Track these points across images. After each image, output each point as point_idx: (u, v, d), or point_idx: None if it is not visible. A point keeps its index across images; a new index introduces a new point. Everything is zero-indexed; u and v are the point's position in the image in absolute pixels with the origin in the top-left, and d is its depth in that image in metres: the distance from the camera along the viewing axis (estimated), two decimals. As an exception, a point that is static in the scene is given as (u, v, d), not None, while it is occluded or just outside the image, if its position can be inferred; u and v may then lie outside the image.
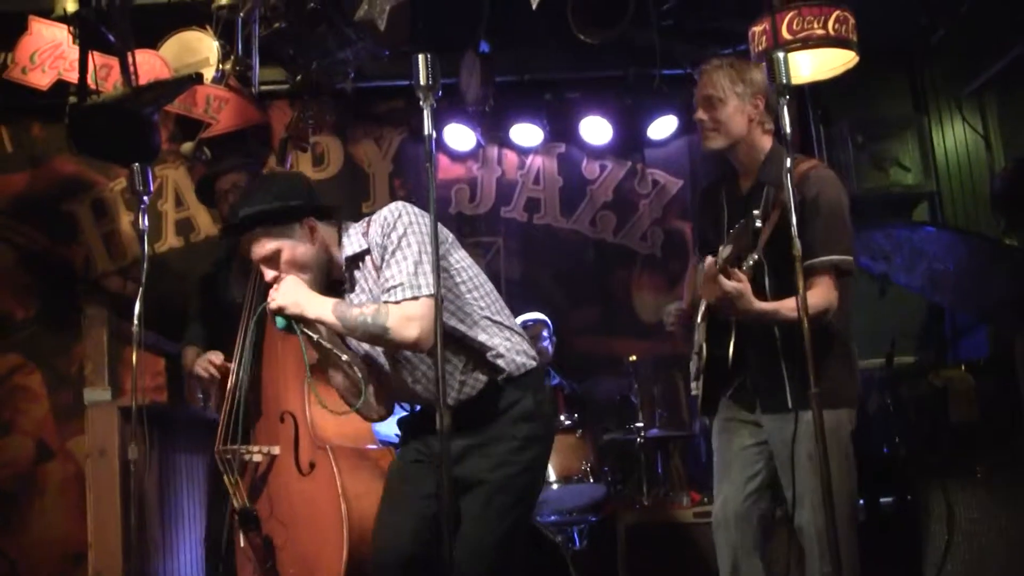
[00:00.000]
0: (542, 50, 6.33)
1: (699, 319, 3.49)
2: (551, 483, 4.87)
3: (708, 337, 3.42)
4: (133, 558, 4.22)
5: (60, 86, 5.73)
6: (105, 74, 5.42)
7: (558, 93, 6.52)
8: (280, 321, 3.11)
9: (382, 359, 3.24)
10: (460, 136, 6.52)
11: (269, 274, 3.15)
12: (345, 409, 3.28)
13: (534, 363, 3.22)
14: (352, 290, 3.20)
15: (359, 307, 3.04)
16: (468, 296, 3.17)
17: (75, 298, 6.20)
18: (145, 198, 3.76)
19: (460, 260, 3.23)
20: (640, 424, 5.13)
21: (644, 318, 6.59)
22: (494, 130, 6.60)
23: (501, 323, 3.21)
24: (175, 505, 4.79)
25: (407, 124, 6.66)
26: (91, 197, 6.49)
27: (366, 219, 3.21)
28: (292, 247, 3.12)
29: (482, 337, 3.14)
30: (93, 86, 5.05)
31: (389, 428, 3.49)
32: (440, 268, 2.94)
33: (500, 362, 3.14)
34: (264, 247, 3.13)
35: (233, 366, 3.98)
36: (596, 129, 6.52)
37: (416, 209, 3.14)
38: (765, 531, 3.48)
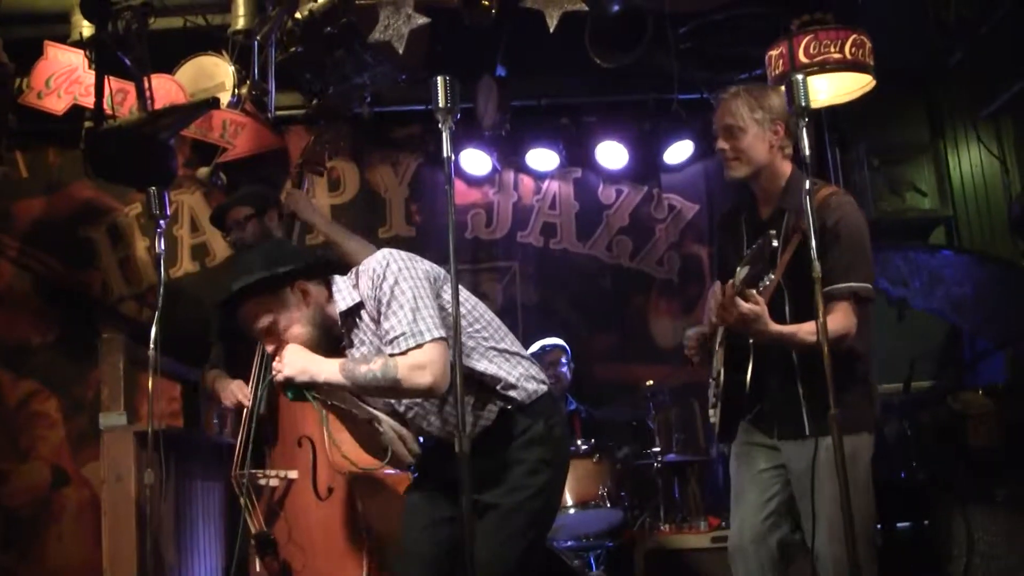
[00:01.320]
0: (558, 75, 6.36)
1: (717, 345, 3.48)
2: (568, 508, 4.86)
3: (726, 363, 3.41)
4: (148, 583, 4.20)
5: (76, 111, 5.75)
6: (121, 99, 5.45)
7: (574, 118, 6.55)
8: (291, 392, 3.07)
9: (398, 406, 3.23)
10: (476, 161, 6.54)
11: (270, 346, 3.11)
12: (370, 461, 3.26)
13: (545, 388, 3.22)
14: (352, 345, 3.16)
15: (366, 363, 2.99)
16: (471, 330, 3.15)
17: (92, 324, 6.21)
18: (162, 222, 3.80)
19: (467, 297, 3.22)
20: (657, 449, 5.12)
21: (661, 343, 6.59)
22: (510, 155, 6.63)
23: (507, 351, 3.21)
24: (191, 531, 4.78)
25: (423, 149, 6.68)
26: (107, 223, 6.52)
27: (353, 272, 3.18)
28: (288, 315, 3.08)
29: (491, 370, 3.13)
30: (109, 111, 5.07)
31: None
32: (437, 307, 2.97)
33: (511, 392, 3.14)
34: (260, 320, 3.08)
35: (250, 391, 3.99)
36: (612, 154, 6.54)
37: (402, 254, 3.11)
38: (785, 557, 3.45)
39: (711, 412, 3.51)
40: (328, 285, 3.17)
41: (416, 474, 3.47)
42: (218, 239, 6.45)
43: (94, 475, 5.94)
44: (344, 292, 3.14)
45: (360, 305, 3.10)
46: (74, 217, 6.49)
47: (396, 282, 3.01)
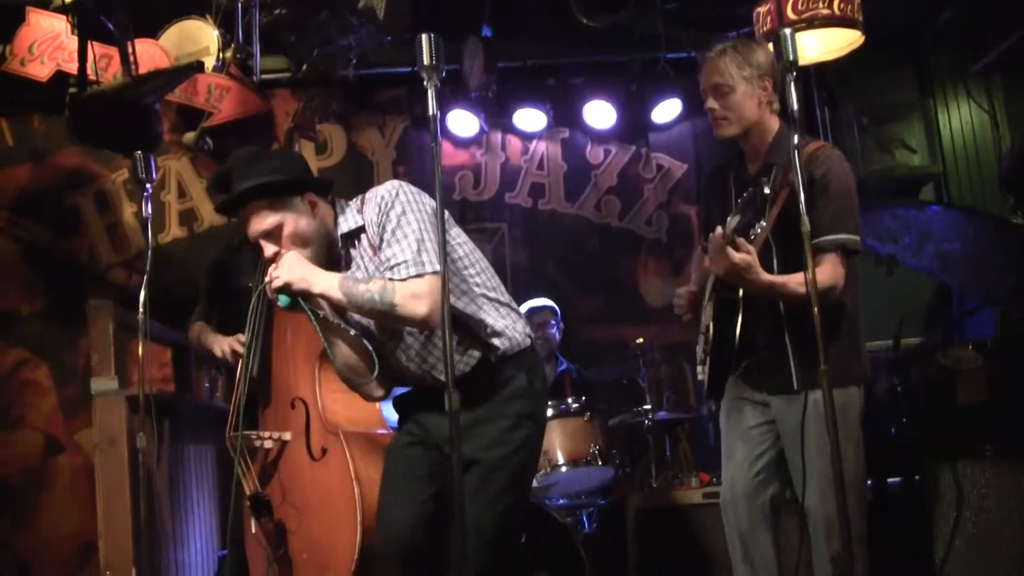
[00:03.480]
0: (545, 35, 6.33)
1: (706, 299, 3.48)
2: (560, 466, 4.89)
3: (715, 318, 3.41)
4: (143, 548, 4.21)
5: (60, 78, 5.71)
6: (105, 64, 5.41)
7: (561, 78, 6.53)
8: (284, 299, 3.06)
9: (379, 336, 3.22)
10: (463, 122, 6.53)
11: (269, 249, 3.10)
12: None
13: (528, 342, 3.23)
14: (348, 268, 3.17)
15: (365, 283, 3.01)
16: (466, 273, 3.17)
17: (80, 292, 6.16)
18: (148, 186, 3.80)
19: (457, 237, 3.23)
20: (648, 407, 5.13)
21: (650, 303, 6.61)
22: (497, 116, 6.61)
23: (498, 300, 3.22)
24: (185, 495, 4.79)
25: (410, 111, 6.65)
26: (94, 189, 6.50)
27: (359, 197, 3.19)
28: (294, 221, 3.08)
29: (480, 315, 3.13)
30: (93, 76, 5.03)
31: (394, 413, 3.50)
32: (449, 245, 3.00)
33: (495, 340, 3.14)
34: (265, 221, 3.07)
35: (242, 352, 3.99)
36: (600, 114, 6.53)
37: (413, 188, 3.13)
38: (776, 512, 3.47)
39: (699, 369, 3.51)
40: (334, 204, 3.19)
41: (395, 431, 3.46)
42: (207, 205, 6.44)
43: (87, 442, 5.96)
44: (349, 215, 3.16)
45: (362, 229, 3.12)
46: (60, 184, 6.46)
47: (404, 212, 3.03)
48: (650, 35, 6.07)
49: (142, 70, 5.06)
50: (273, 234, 3.09)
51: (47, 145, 6.47)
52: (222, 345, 4.21)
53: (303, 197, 3.11)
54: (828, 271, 3.21)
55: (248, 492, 3.81)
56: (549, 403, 4.81)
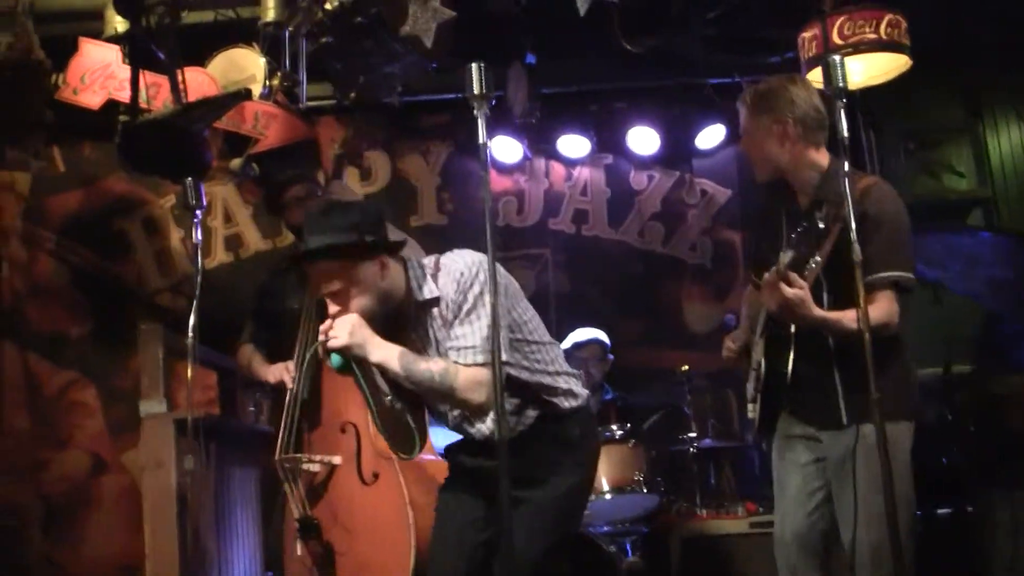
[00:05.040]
0: (588, 61, 6.31)
1: (757, 335, 3.44)
2: (604, 493, 4.86)
3: (767, 354, 3.37)
4: (189, 570, 4.23)
5: (111, 106, 5.77)
6: (155, 92, 5.46)
7: (605, 104, 6.53)
8: (336, 359, 3.01)
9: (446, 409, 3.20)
10: (507, 148, 6.53)
11: (334, 308, 3.04)
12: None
13: (581, 403, 3.25)
14: (417, 333, 3.13)
15: (426, 362, 2.99)
16: (533, 357, 3.17)
17: (128, 315, 6.26)
18: (198, 212, 3.81)
19: (525, 312, 3.21)
20: (692, 435, 5.09)
21: (694, 329, 6.56)
22: (541, 142, 6.61)
23: (557, 372, 3.23)
24: (230, 517, 4.80)
25: (453, 138, 6.67)
26: (142, 215, 6.56)
27: (431, 262, 3.14)
28: (362, 283, 3.02)
29: (544, 381, 3.16)
30: (144, 104, 5.09)
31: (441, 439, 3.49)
32: (511, 322, 3.03)
33: (553, 399, 3.17)
34: (332, 281, 3.02)
35: (292, 375, 4.01)
36: (643, 139, 6.51)
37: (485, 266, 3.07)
38: (828, 549, 3.40)
39: (750, 407, 3.46)
40: (405, 267, 3.13)
41: (447, 476, 3.44)
42: (251, 230, 6.49)
43: (132, 463, 6.00)
44: (423, 282, 3.10)
45: (437, 301, 3.07)
46: (109, 210, 6.54)
47: (482, 293, 2.99)
48: (693, 60, 6.04)
49: (191, 98, 5.10)
50: (340, 294, 3.03)
51: (97, 171, 6.55)
52: (274, 373, 4.23)
53: (374, 259, 3.06)
54: (883, 308, 3.16)
55: (296, 515, 3.82)
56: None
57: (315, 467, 3.88)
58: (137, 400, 4.69)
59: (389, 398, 3.17)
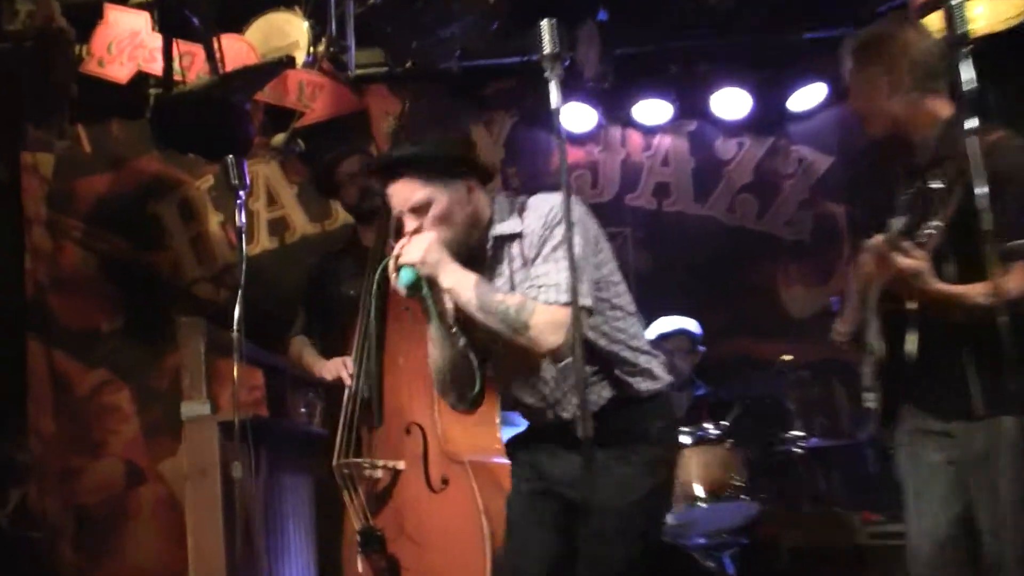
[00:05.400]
0: (667, 17, 6.27)
1: (871, 314, 3.37)
2: (698, 500, 4.83)
3: (884, 335, 3.31)
4: (239, 585, 4.27)
5: (140, 79, 5.84)
6: (189, 63, 5.53)
7: (687, 64, 6.47)
8: (407, 275, 3.01)
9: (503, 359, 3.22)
10: (579, 116, 6.50)
11: (411, 224, 3.09)
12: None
13: (662, 386, 3.22)
14: (491, 271, 3.16)
15: (502, 294, 3.01)
16: (615, 324, 3.16)
17: (163, 308, 6.31)
18: (241, 193, 3.83)
19: (613, 273, 3.20)
20: (797, 433, 5.04)
21: (793, 314, 6.50)
22: (616, 108, 6.58)
23: (639, 348, 3.21)
24: (281, 530, 4.82)
25: (518, 106, 6.66)
26: (177, 198, 6.61)
27: (520, 198, 3.19)
28: (447, 203, 3.08)
29: (621, 353, 3.14)
30: (177, 76, 5.15)
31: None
32: (600, 278, 3.04)
33: (630, 379, 3.14)
34: (416, 194, 3.07)
35: (350, 371, 4.03)
36: (731, 102, 6.46)
37: (584, 207, 3.13)
38: (972, 559, 3.32)
39: (866, 395, 3.39)
40: (491, 198, 3.19)
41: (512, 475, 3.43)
42: (297, 212, 6.53)
43: (171, 472, 6.09)
44: (507, 216, 3.15)
45: (519, 236, 3.11)
46: (141, 193, 6.58)
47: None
48: (787, 12, 5.97)
49: (228, 68, 5.14)
50: (420, 210, 3.07)
51: (127, 151, 6.59)
52: (331, 370, 4.25)
53: (463, 180, 3.12)
54: (1019, 280, 3.08)
55: (357, 526, 3.84)
56: (685, 430, 4.78)
57: (377, 473, 3.90)
58: (175, 402, 4.74)
59: (455, 330, 3.16)
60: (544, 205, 3.08)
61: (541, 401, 3.18)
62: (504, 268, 3.15)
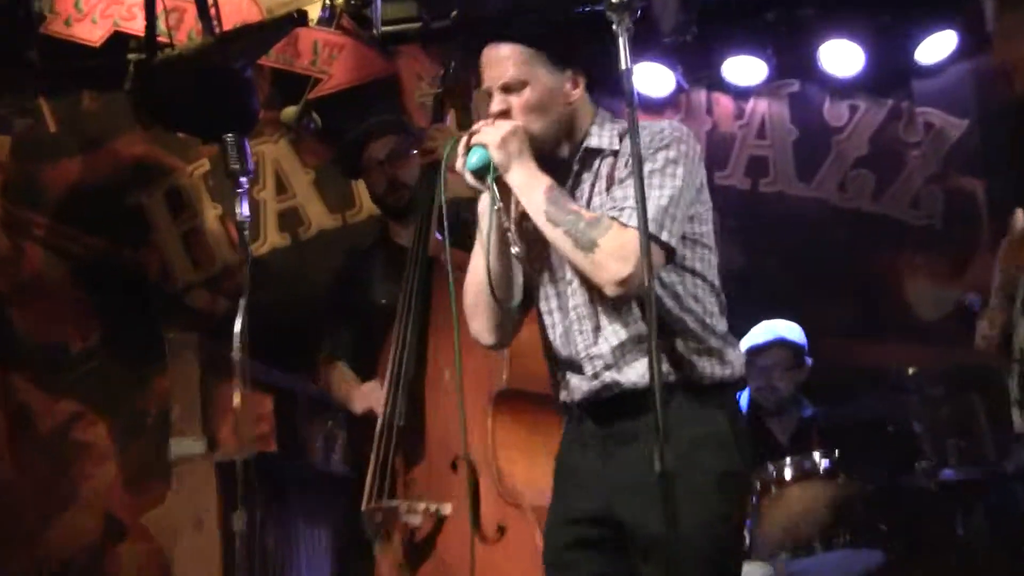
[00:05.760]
0: (760, -47, 6.29)
1: (1018, 311, 3.38)
2: (809, 548, 4.83)
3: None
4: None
5: (117, 40, 5.89)
6: (176, 21, 5.57)
7: (787, 12, 6.46)
8: (480, 156, 3.05)
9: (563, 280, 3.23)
10: (655, 78, 6.55)
11: (498, 105, 3.13)
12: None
13: (734, 376, 3.19)
14: (572, 186, 3.19)
15: (577, 206, 3.05)
16: (690, 289, 3.15)
17: (148, 320, 6.36)
18: (244, 179, 3.87)
19: (710, 247, 3.21)
20: (927, 462, 5.03)
21: (921, 314, 6.51)
22: (700, 68, 6.64)
23: (712, 327, 3.19)
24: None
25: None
26: (165, 186, 6.67)
27: (625, 123, 3.16)
28: (548, 90, 3.11)
29: (690, 324, 3.12)
30: (163, 37, 5.19)
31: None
32: (694, 236, 3.06)
33: (695, 357, 3.11)
34: (512, 69, 3.11)
35: (384, 394, 4.05)
36: (842, 57, 6.47)
37: (697, 143, 3.15)
38: None
39: (1016, 414, 3.41)
40: (595, 110, 3.23)
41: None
42: (314, 203, 6.54)
43: (157, 525, 6.10)
44: (607, 132, 3.19)
45: (613, 155, 3.15)
46: (121, 181, 6.63)
47: (675, 161, 3.04)
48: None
49: (226, 26, 5.18)
50: (513, 89, 3.11)
51: (102, 130, 6.64)
52: (358, 403, 4.26)
53: (572, 71, 3.15)
54: None
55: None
56: (790, 461, 4.77)
57: (416, 519, 3.90)
58: (163, 438, 4.79)
59: (512, 231, 3.16)
60: (655, 127, 3.12)
61: (583, 350, 3.16)
62: (585, 187, 3.19)
